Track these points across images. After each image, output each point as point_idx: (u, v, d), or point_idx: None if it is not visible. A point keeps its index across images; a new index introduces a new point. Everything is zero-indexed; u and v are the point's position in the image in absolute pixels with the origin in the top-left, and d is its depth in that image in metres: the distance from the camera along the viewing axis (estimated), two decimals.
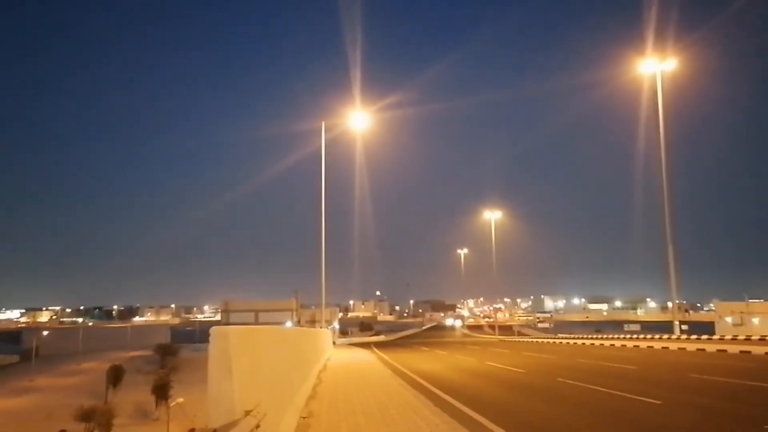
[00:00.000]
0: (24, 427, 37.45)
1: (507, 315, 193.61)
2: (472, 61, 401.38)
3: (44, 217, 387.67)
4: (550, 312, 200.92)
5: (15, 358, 73.84)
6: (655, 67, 47.32)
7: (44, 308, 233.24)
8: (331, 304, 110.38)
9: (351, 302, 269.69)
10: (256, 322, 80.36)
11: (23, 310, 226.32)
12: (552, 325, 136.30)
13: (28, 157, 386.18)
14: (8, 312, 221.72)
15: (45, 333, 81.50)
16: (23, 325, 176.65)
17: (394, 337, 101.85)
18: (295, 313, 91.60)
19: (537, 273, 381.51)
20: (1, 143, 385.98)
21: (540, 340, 67.11)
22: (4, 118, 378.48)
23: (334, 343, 52.09)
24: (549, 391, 17.36)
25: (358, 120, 47.68)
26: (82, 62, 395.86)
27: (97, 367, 57.26)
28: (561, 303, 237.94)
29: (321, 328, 43.81)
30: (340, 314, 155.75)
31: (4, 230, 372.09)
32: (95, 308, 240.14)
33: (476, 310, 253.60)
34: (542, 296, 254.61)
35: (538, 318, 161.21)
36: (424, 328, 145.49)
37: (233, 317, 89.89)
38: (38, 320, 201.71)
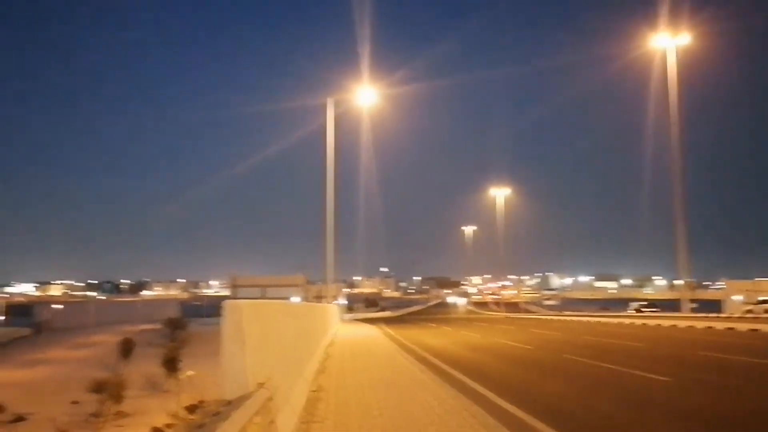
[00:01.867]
0: (36, 398, 37.87)
1: (513, 292, 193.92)
2: (481, 36, 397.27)
3: (57, 193, 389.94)
4: (556, 289, 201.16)
5: (27, 331, 74.65)
6: (667, 42, 46.66)
7: (55, 282, 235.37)
8: (336, 279, 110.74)
9: (356, 278, 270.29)
10: (264, 297, 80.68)
11: (36, 284, 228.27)
12: (559, 302, 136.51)
13: (36, 131, 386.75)
14: (21, 285, 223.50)
15: (57, 306, 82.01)
16: (34, 298, 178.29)
17: (400, 313, 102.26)
18: (301, 288, 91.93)
19: (544, 250, 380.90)
20: (7, 116, 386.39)
21: (546, 317, 67.32)
22: (6, 91, 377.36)
23: (341, 318, 52.40)
24: (555, 368, 17.45)
25: (366, 96, 47.55)
26: (91, 30, 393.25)
27: (107, 339, 57.60)
28: (568, 280, 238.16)
29: (328, 303, 44.03)
30: (346, 290, 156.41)
31: (17, 205, 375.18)
32: (105, 282, 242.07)
33: (482, 287, 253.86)
34: (549, 273, 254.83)
35: (544, 295, 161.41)
36: (429, 304, 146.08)
37: (241, 292, 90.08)
38: (50, 294, 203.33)
